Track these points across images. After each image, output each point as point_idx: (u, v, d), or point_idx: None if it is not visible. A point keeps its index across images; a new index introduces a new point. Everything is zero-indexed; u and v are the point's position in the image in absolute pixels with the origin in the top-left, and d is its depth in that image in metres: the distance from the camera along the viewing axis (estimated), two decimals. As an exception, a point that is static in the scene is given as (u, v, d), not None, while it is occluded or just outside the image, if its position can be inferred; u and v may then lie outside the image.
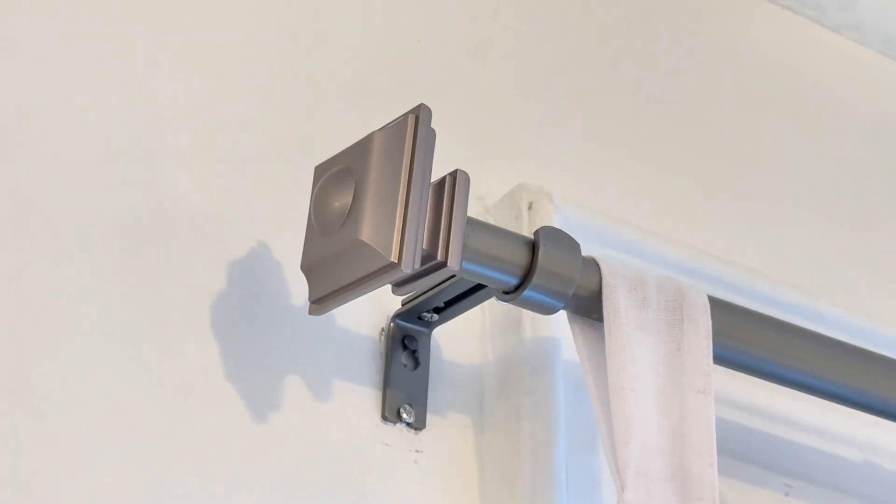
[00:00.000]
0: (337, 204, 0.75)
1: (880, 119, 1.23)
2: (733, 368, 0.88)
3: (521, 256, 0.79)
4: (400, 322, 0.87)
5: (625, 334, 0.81)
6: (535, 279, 0.79)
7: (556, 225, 0.90)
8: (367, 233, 0.73)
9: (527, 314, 0.89)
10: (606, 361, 0.80)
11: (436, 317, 0.87)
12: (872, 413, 0.92)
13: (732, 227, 1.07)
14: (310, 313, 0.78)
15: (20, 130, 0.81)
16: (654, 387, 0.81)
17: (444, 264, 0.74)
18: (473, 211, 0.82)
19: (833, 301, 1.04)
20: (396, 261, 0.72)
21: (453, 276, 0.82)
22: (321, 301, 0.77)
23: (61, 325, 0.78)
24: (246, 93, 0.91)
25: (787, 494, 0.99)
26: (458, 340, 0.90)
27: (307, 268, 0.77)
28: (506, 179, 0.94)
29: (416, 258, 0.72)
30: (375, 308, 0.88)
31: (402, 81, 0.97)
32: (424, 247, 0.74)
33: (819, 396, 0.92)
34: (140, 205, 0.83)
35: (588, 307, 0.82)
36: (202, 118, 0.88)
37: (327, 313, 0.81)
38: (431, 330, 0.89)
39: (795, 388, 0.91)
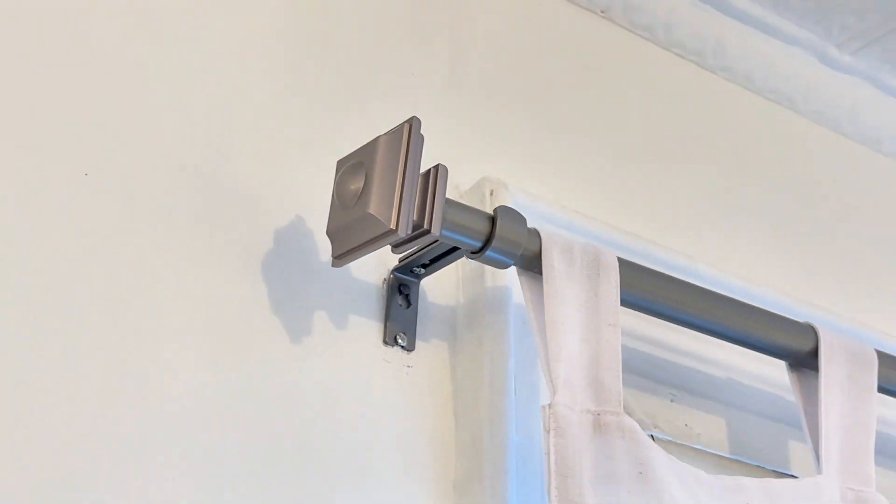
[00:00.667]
0: (352, 187, 0.76)
1: (742, 124, 1.22)
2: (635, 310, 0.89)
3: (484, 227, 0.80)
4: (397, 274, 0.88)
5: (557, 284, 0.81)
6: (494, 243, 0.80)
7: (510, 206, 0.90)
8: (374, 208, 0.74)
9: (488, 270, 0.89)
10: (544, 303, 0.81)
11: (423, 271, 0.87)
12: (733, 342, 0.94)
13: (637, 207, 1.07)
14: (332, 266, 0.79)
15: (99, 120, 0.81)
16: (578, 321, 0.82)
17: (428, 231, 0.75)
18: (451, 195, 0.82)
19: (709, 263, 1.04)
20: (395, 227, 0.73)
21: (436, 241, 0.83)
22: (341, 257, 0.78)
23: (147, 280, 0.78)
24: (296, 108, 0.91)
25: (672, 401, 0.99)
26: (439, 288, 0.91)
27: (331, 233, 0.78)
28: (475, 173, 0.94)
29: (408, 226, 0.74)
30: (379, 264, 0.88)
31: (403, 100, 0.96)
32: (415, 218, 0.75)
33: (696, 330, 0.92)
34: (211, 188, 0.83)
35: (531, 264, 0.82)
36: (259, 124, 0.88)
37: (344, 266, 0.82)
38: (420, 280, 0.89)
39: (679, 325, 0.92)
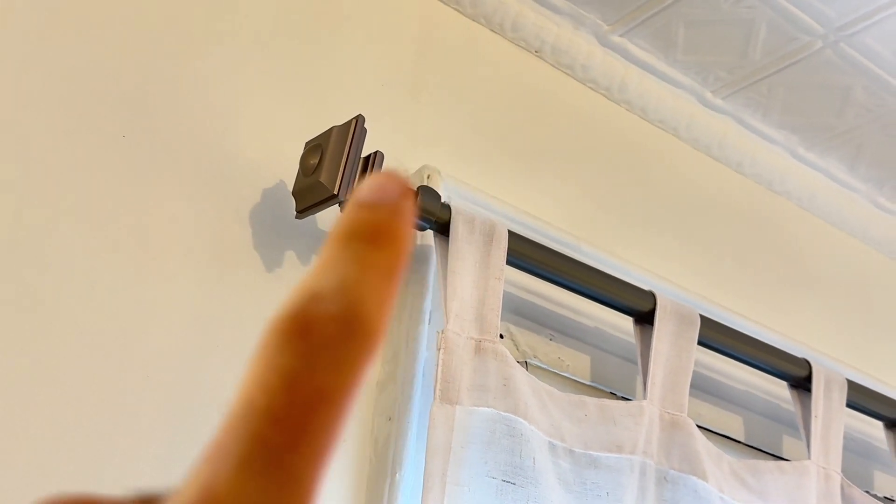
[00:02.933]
0: (311, 161, 0.80)
1: (636, 145, 1.25)
2: (519, 269, 0.92)
3: (407, 199, 0.84)
4: None
5: (459, 244, 0.85)
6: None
7: (441, 188, 0.93)
8: (324, 177, 0.77)
9: (419, 235, 0.93)
10: (448, 258, 0.85)
11: (370, 228, 0.92)
12: (592, 300, 0.97)
13: (535, 190, 1.09)
14: (296, 218, 0.83)
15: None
16: (472, 272, 0.86)
17: (363, 198, 0.79)
18: None
19: (590, 244, 1.07)
20: (336, 193, 0.77)
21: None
22: (302, 212, 0.82)
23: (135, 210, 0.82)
24: (288, 97, 0.92)
25: (551, 339, 1.03)
26: (383, 242, 0.95)
27: (295, 194, 0.82)
28: (417, 162, 0.97)
29: (347, 192, 0.77)
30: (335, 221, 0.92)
31: (371, 102, 0.97)
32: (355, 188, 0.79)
33: (563, 288, 0.96)
34: (216, 152, 0.86)
35: (443, 230, 0.86)
36: (249, 99, 0.91)
37: (313, 220, 0.86)
38: None
39: (551, 283, 0.95)
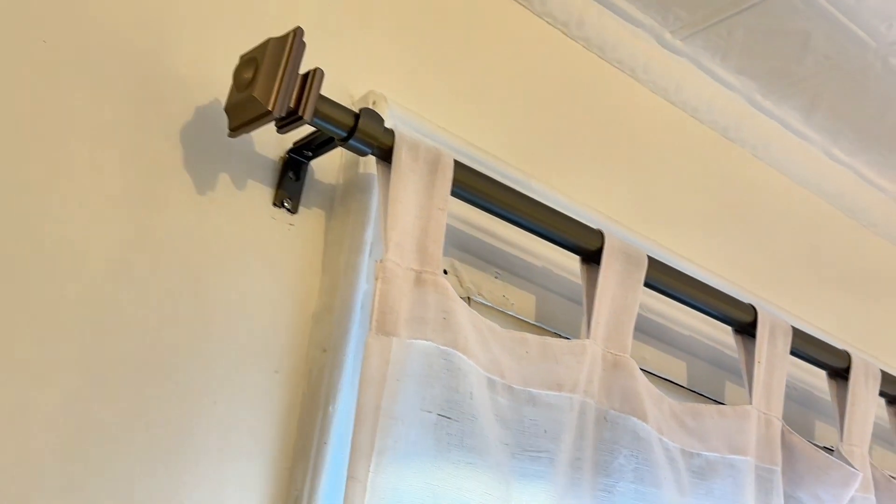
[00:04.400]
0: (245, 76, 0.76)
1: (592, 84, 1.22)
2: (464, 201, 0.89)
3: (349, 121, 0.80)
4: (291, 154, 0.87)
5: (402, 171, 0.82)
6: (356, 135, 0.80)
7: (387, 114, 0.90)
8: (258, 92, 0.73)
9: (362, 161, 0.89)
10: (390, 186, 0.82)
11: (311, 154, 0.87)
12: (539, 236, 0.94)
13: (485, 125, 1.06)
14: (229, 136, 0.79)
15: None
16: (415, 201, 0.82)
17: (301, 117, 0.75)
18: (345, 102, 0.83)
19: (541, 181, 1.04)
20: (271, 108, 0.73)
21: (318, 132, 0.83)
22: (234, 129, 0.77)
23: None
24: (223, 11, 0.87)
25: (496, 277, 1.00)
26: (324, 171, 0.90)
27: (227, 110, 0.78)
28: (362, 87, 0.93)
29: (283, 108, 0.73)
30: (277, 146, 0.87)
31: (304, 20, 0.94)
32: (292, 105, 0.75)
33: (516, 226, 0.93)
34: (147, 64, 0.81)
35: (385, 156, 0.82)
36: (193, 20, 0.85)
37: (250, 143, 0.82)
38: (309, 161, 0.88)
39: (499, 217, 0.92)
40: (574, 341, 0.90)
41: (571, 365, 0.87)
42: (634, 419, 0.89)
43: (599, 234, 0.95)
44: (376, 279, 0.78)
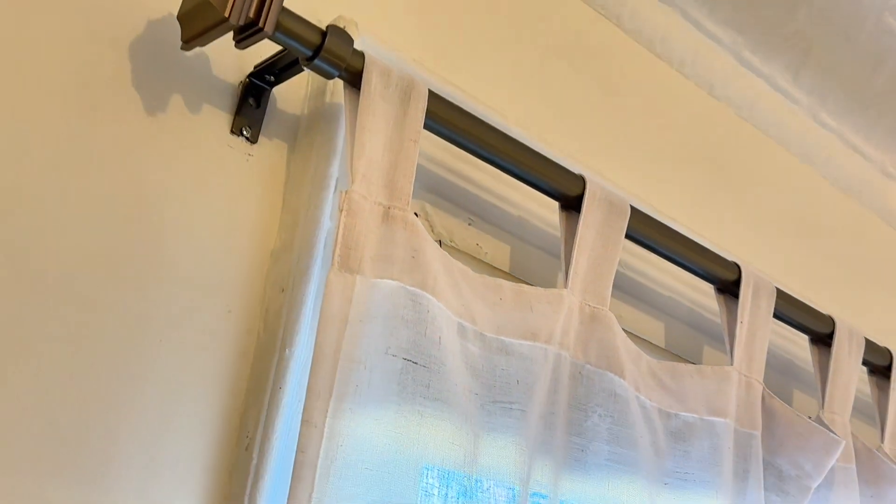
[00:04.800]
0: (201, -20, 0.69)
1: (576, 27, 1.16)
2: (438, 136, 0.83)
3: (315, 38, 0.74)
4: (252, 78, 0.81)
5: (372, 98, 0.76)
6: (322, 54, 0.74)
7: (357, 39, 0.83)
8: (214, -2, 0.67)
9: (329, 88, 0.83)
10: (358, 112, 0.76)
11: (273, 79, 0.81)
12: (516, 178, 0.88)
13: (464, 65, 1.00)
14: (181, 49, 0.73)
15: None
16: (385, 131, 0.76)
17: (262, 28, 0.69)
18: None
19: (519, 124, 0.99)
20: (228, 16, 0.66)
21: (281, 52, 0.77)
22: (188, 41, 0.71)
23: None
24: None
25: (469, 224, 0.95)
26: (288, 99, 0.84)
27: (180, 18, 0.71)
28: (333, 11, 0.86)
29: (241, 17, 0.67)
30: (237, 68, 0.81)
31: None
32: (251, 15, 0.68)
33: (493, 165, 0.87)
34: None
35: (354, 80, 0.76)
36: None
37: (207, 64, 0.75)
38: (272, 88, 0.82)
39: (478, 157, 0.86)
40: (550, 290, 0.84)
41: (547, 314, 0.82)
42: (611, 374, 0.84)
43: (581, 180, 0.89)
44: (340, 211, 0.72)
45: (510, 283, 0.82)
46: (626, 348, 0.88)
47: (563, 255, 0.88)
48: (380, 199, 0.74)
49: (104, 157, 0.72)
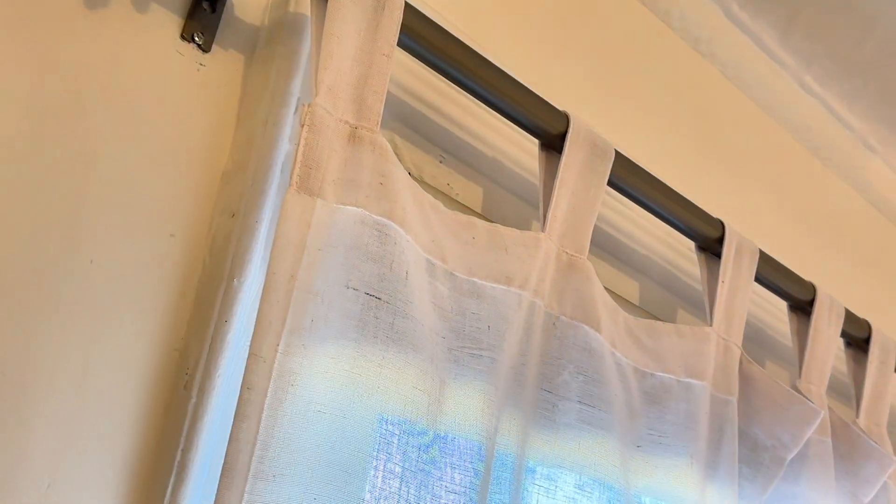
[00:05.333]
0: None
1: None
2: (411, 54, 0.75)
3: (281, -70, 0.66)
4: None
5: (342, 3, 0.68)
6: (289, -51, 0.66)
7: None
8: None
9: (292, 1, 0.76)
10: (326, 18, 0.68)
11: (232, -18, 0.74)
12: (503, 114, 0.81)
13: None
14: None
15: None
16: (354, 41, 0.69)
17: None
18: None
19: (496, 58, 0.92)
20: None
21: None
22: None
23: None
24: None
25: (441, 162, 0.88)
26: (247, 8, 0.76)
27: None
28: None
29: None
30: None
31: None
32: None
33: (470, 93, 0.80)
34: None
35: (323, -16, 0.69)
36: None
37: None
38: None
39: (455, 83, 0.79)
40: (527, 233, 0.78)
41: (523, 258, 0.75)
42: (586, 327, 0.78)
43: (564, 117, 0.83)
44: (301, 126, 0.64)
45: (484, 222, 0.76)
46: (603, 301, 0.82)
47: (541, 198, 0.82)
48: (346, 116, 0.67)
49: (36, 47, 0.64)
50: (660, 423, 0.84)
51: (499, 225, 0.77)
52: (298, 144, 0.64)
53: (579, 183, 0.82)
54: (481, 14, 0.96)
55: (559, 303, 0.79)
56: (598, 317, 0.80)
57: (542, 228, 0.80)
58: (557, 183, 0.81)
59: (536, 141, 0.86)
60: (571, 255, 0.81)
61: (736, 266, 0.96)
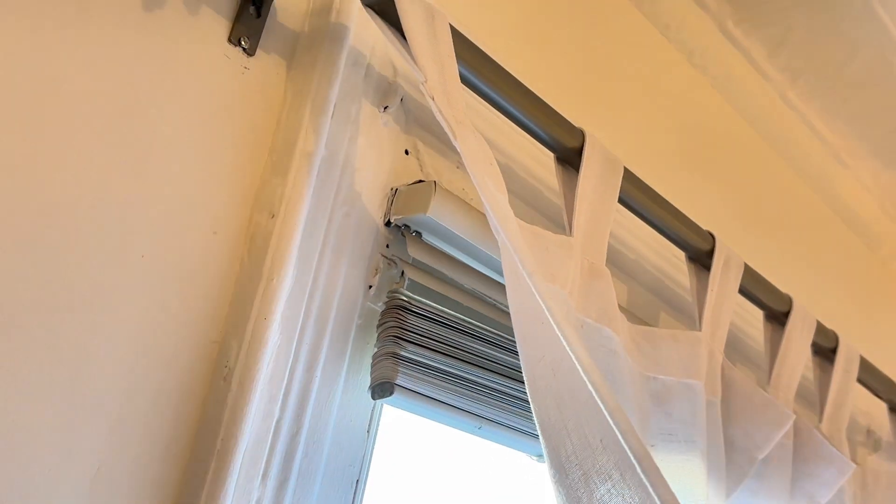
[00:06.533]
0: None
1: None
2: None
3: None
4: None
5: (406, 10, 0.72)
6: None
7: None
8: None
9: (335, 7, 0.79)
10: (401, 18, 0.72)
11: (278, -11, 0.77)
12: (520, 126, 0.85)
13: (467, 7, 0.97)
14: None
15: None
16: (429, 44, 0.73)
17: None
18: None
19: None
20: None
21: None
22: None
23: None
24: None
25: (458, 167, 0.92)
26: (290, 13, 0.79)
27: None
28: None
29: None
30: None
31: None
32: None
33: (492, 104, 0.83)
34: None
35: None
36: None
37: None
38: None
39: (479, 94, 0.82)
40: (561, 236, 0.82)
41: (561, 259, 0.80)
42: (609, 331, 0.83)
43: (580, 133, 0.88)
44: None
45: (524, 223, 0.80)
46: (618, 307, 0.88)
47: (563, 208, 0.86)
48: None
49: (94, 52, 0.66)
50: (667, 421, 0.90)
51: (535, 226, 0.81)
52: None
53: (594, 196, 0.88)
54: (480, 23, 1.00)
55: (584, 306, 0.84)
56: (617, 322, 0.85)
57: (569, 233, 0.84)
58: (578, 193, 0.85)
59: (546, 151, 0.91)
60: (592, 263, 0.86)
61: (724, 277, 1.03)
